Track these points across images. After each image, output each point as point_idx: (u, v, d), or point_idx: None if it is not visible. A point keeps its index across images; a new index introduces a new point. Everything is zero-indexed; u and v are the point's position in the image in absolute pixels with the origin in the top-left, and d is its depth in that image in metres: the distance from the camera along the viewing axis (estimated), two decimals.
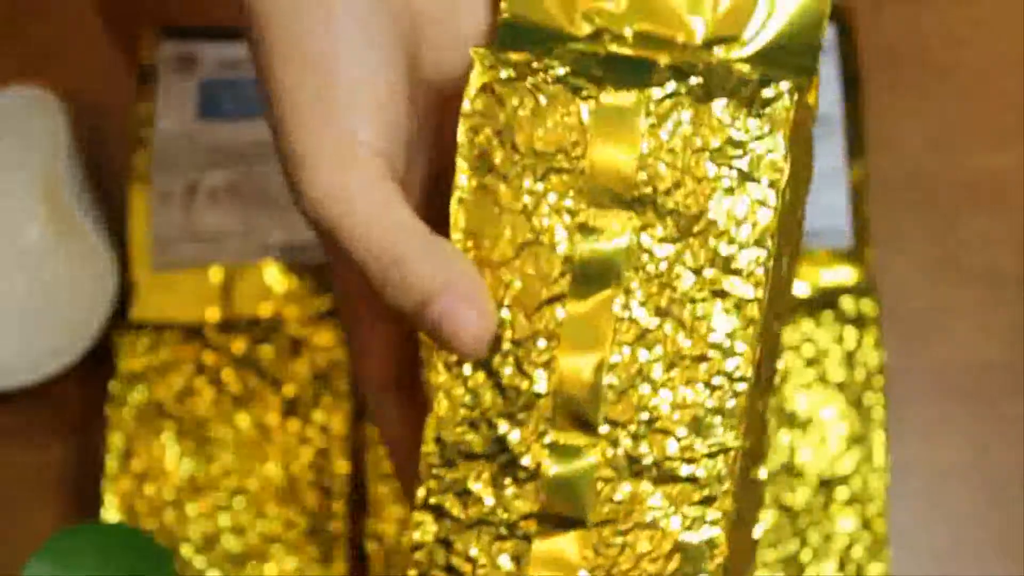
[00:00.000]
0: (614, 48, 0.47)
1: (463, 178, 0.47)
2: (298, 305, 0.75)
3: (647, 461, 0.45)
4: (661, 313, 0.45)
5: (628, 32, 0.47)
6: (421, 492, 0.47)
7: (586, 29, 0.47)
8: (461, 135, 0.46)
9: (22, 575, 0.59)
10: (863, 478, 0.66)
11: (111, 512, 0.71)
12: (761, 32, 0.47)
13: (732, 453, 0.45)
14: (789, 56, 0.46)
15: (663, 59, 0.45)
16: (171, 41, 0.75)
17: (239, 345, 0.73)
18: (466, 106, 0.46)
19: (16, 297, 0.76)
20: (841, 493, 0.67)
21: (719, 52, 0.46)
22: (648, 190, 0.45)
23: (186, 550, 0.71)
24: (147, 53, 0.74)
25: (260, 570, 0.71)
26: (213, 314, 0.74)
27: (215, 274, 0.74)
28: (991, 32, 0.77)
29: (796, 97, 0.44)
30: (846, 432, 0.67)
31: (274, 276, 0.75)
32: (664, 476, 0.45)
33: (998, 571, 0.69)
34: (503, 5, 0.47)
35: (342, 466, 0.72)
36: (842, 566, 0.66)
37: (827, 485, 0.67)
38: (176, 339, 0.73)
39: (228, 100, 0.76)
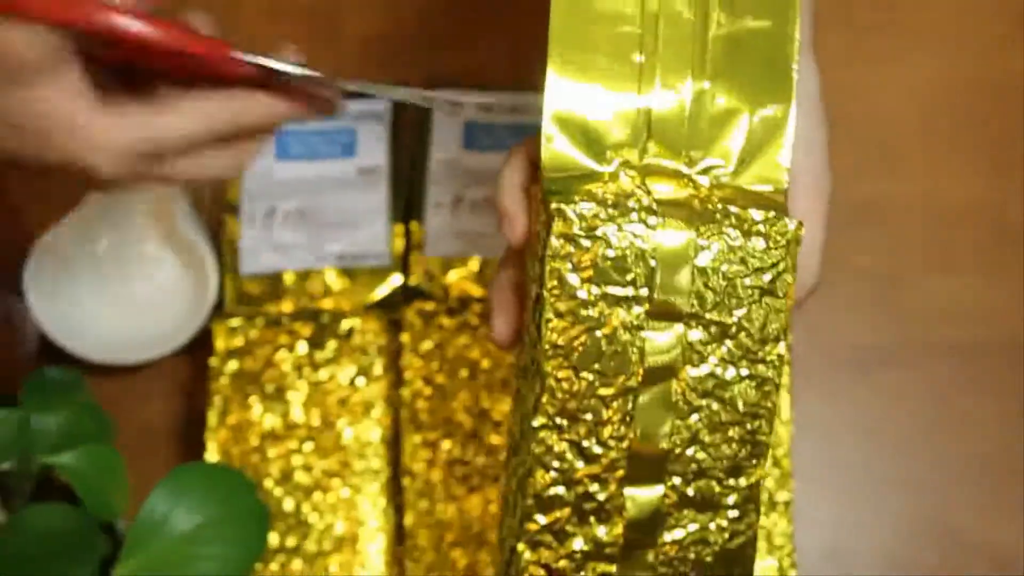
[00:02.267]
0: (633, 180, 0.47)
1: (551, 307, 0.47)
2: (350, 300, 0.77)
3: (697, 498, 0.49)
4: (707, 395, 0.48)
5: (640, 161, 0.48)
6: (520, 546, 0.49)
7: (609, 166, 0.47)
8: (546, 275, 0.46)
9: (145, 503, 0.61)
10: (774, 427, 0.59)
11: (212, 455, 0.74)
12: (738, 156, 0.48)
13: (757, 485, 0.49)
14: (761, 169, 0.48)
15: (694, 203, 0.47)
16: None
17: (307, 330, 0.76)
18: (550, 250, 0.46)
19: (138, 297, 0.78)
20: None
21: (704, 180, 0.48)
22: (696, 308, 0.47)
23: (268, 483, 0.74)
24: None
25: (323, 497, 0.74)
26: (288, 306, 0.77)
27: (288, 277, 0.78)
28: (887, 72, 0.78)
29: (799, 229, 0.47)
30: None
31: (332, 278, 0.77)
32: (711, 505, 0.49)
33: (874, 496, 0.76)
34: (544, 162, 0.47)
35: (383, 420, 0.75)
36: None
37: None
38: (260, 325, 0.76)
39: (296, 143, 0.78)
